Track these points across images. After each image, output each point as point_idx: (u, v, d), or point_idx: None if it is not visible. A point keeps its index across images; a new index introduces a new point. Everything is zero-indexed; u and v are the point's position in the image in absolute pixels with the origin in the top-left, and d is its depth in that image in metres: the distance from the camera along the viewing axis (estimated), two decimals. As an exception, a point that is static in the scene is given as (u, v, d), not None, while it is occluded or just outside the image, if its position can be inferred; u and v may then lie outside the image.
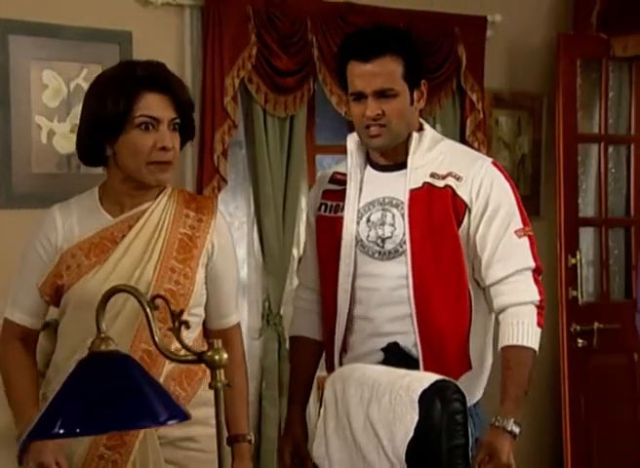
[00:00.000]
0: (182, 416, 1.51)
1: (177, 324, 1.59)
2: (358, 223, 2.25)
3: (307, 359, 2.39)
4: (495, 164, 2.27)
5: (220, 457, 1.60)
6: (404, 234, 2.19)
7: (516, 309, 2.16)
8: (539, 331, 2.17)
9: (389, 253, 2.22)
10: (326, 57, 3.45)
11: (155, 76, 2.06)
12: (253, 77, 3.34)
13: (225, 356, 1.56)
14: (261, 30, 3.35)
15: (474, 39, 3.75)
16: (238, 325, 2.28)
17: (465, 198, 2.18)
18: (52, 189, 3.04)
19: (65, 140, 3.17)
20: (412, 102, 2.22)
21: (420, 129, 2.27)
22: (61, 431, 1.46)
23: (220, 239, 2.16)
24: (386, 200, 2.24)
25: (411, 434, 1.87)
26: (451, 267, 2.19)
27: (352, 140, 2.31)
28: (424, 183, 2.20)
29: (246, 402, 2.24)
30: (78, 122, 2.14)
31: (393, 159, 2.25)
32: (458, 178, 2.19)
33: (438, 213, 2.18)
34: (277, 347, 3.44)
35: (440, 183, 2.19)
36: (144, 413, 1.47)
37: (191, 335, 2.11)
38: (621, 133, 4.10)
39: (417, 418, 1.87)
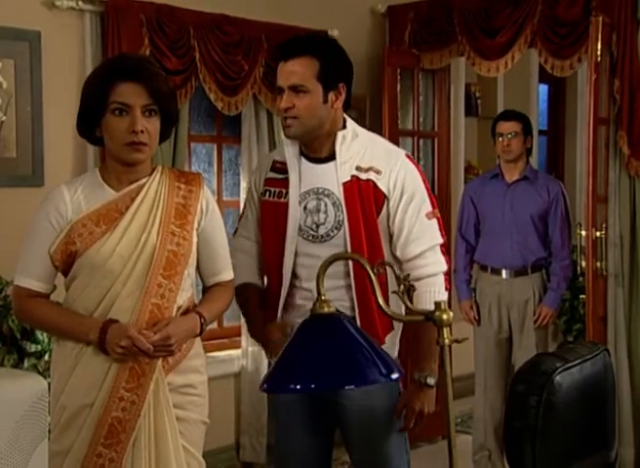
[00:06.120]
0: (399, 371, 1.53)
1: (401, 287, 1.71)
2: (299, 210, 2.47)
3: (256, 302, 2.60)
4: (407, 156, 2.51)
5: (448, 401, 1.69)
6: (334, 221, 2.44)
7: (429, 279, 2.46)
8: (446, 294, 2.48)
9: (322, 236, 2.46)
10: (205, 59, 3.98)
11: (130, 67, 2.25)
12: (146, 75, 3.81)
13: (452, 315, 1.66)
14: (153, 35, 3.81)
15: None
16: (231, 281, 2.46)
17: (384, 190, 2.44)
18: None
19: (-16, 126, 3.51)
20: (325, 101, 2.39)
21: (345, 126, 2.48)
22: (298, 386, 1.50)
23: (209, 205, 2.38)
24: (320, 190, 2.47)
25: None
26: (376, 244, 2.45)
27: None
28: (352, 176, 2.44)
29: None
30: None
31: (320, 153, 2.48)
32: (378, 172, 2.44)
33: (365, 201, 2.44)
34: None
35: (363, 176, 2.44)
36: (371, 369, 1.51)
37: (187, 294, 2.34)
38: (428, 129, 4.93)
39: None
